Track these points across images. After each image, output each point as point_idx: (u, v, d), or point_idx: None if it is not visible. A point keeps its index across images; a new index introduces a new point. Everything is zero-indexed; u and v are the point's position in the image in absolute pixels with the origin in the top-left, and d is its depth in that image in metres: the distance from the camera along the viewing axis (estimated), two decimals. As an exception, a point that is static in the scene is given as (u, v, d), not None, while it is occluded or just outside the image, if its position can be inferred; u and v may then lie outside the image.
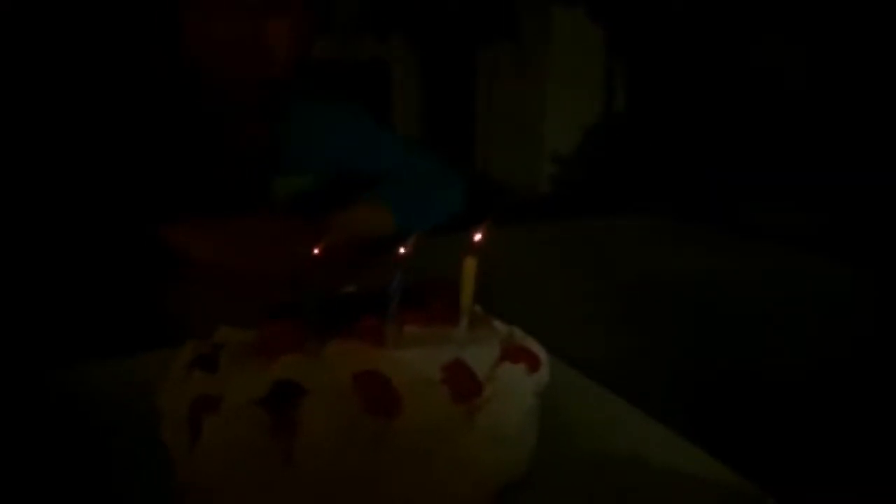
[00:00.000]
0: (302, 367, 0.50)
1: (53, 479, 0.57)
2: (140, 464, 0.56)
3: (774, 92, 2.57)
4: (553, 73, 2.99)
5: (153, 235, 0.95)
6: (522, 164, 2.96)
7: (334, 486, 0.48)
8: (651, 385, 0.75)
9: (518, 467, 0.55)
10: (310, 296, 0.52)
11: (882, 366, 0.82)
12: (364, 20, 2.34)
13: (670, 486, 0.57)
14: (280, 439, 0.47)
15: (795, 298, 0.99)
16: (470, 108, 2.88)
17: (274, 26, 1.07)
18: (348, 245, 1.02)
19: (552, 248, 1.17)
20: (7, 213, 1.01)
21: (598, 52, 3.01)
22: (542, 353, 0.56)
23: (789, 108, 2.53)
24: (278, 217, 1.04)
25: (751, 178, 2.45)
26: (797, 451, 0.65)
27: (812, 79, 2.55)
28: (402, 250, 0.52)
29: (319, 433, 0.47)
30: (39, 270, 0.95)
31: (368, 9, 2.36)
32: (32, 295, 0.91)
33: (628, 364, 0.80)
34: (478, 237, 0.53)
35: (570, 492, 0.55)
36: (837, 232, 2.13)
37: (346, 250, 1.01)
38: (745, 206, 2.34)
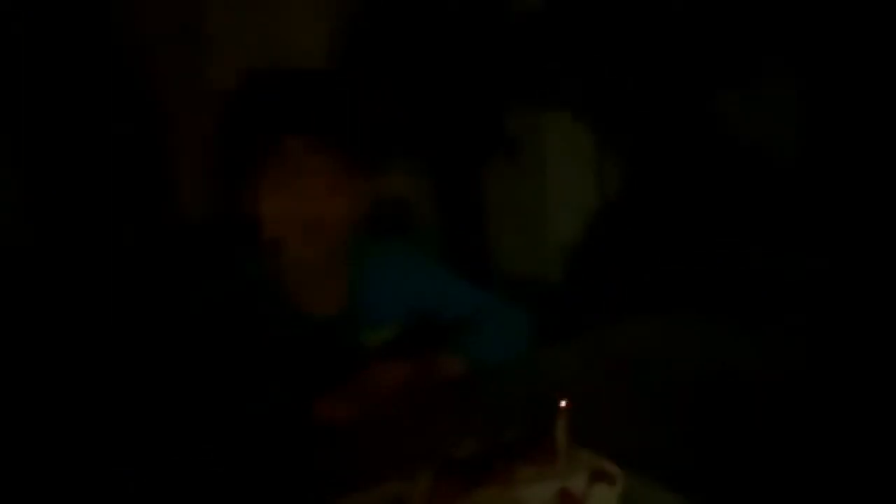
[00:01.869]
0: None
1: None
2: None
3: (760, 166, 2.77)
4: (549, 171, 3.29)
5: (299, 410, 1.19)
6: (533, 257, 3.24)
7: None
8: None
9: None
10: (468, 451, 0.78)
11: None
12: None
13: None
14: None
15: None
16: (480, 216, 3.17)
17: (334, 204, 1.25)
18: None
19: (594, 360, 1.37)
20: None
21: (590, 146, 3.31)
22: (617, 471, 0.82)
23: (779, 181, 2.69)
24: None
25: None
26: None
27: (803, 149, 2.73)
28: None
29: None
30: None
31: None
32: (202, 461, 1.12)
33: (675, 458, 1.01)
34: (564, 403, 0.80)
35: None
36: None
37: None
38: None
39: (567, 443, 0.81)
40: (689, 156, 3.14)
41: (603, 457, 0.84)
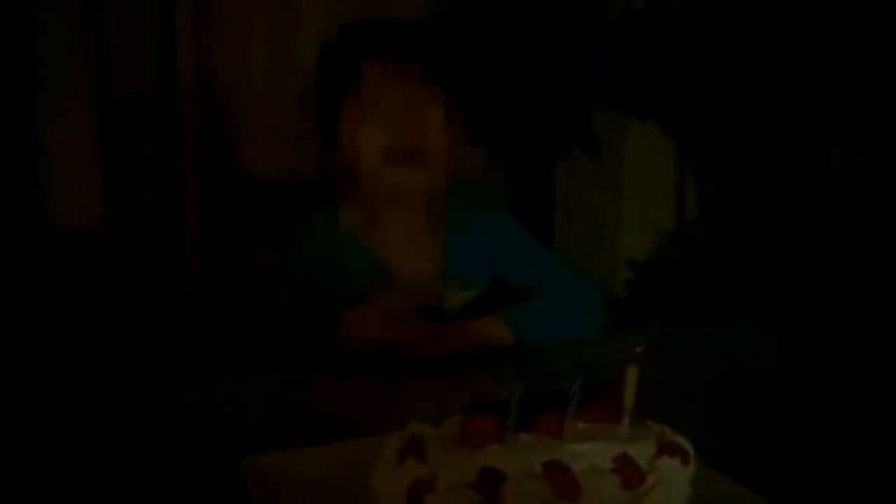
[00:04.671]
0: (501, 455, 0.61)
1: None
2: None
3: (856, 194, 2.59)
4: (628, 183, 3.12)
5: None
6: (599, 270, 3.07)
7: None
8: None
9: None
10: (512, 394, 0.63)
11: None
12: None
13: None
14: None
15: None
16: (548, 216, 3.02)
17: (430, 130, 1.25)
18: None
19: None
20: None
21: (671, 161, 3.14)
22: (691, 449, 0.66)
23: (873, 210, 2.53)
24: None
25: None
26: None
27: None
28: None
29: (519, 512, 0.58)
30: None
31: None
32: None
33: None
34: (640, 349, 0.64)
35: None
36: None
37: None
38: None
39: (635, 403, 0.66)
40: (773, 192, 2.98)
41: (677, 433, 0.68)
